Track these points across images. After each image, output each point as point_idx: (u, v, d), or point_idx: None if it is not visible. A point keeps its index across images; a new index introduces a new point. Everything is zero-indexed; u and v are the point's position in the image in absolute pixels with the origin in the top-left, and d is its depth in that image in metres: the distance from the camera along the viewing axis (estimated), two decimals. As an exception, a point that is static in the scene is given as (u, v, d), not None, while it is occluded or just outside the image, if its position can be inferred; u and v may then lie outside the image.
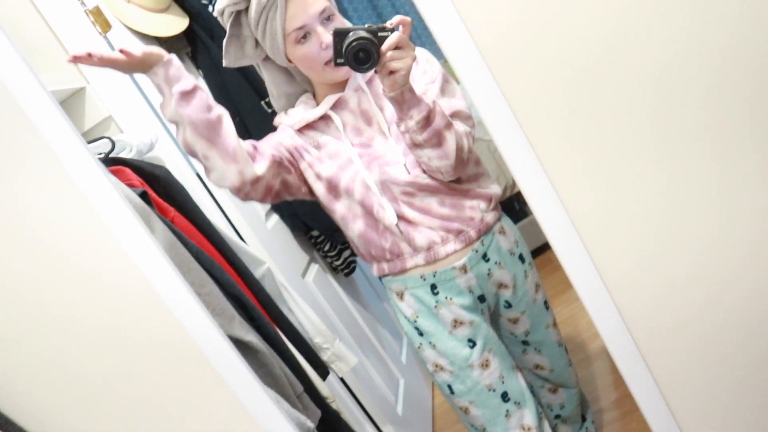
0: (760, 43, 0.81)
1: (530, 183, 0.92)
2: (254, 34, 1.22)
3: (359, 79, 1.27)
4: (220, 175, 1.17)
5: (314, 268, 2.02)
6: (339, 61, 1.10)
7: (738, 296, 0.92)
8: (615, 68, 0.85)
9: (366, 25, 1.09)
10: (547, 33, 0.85)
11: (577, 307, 2.34)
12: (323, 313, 1.90)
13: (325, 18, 1.19)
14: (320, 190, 1.28)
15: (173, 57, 1.12)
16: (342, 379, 1.81)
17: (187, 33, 1.88)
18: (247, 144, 1.22)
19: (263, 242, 1.76)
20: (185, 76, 1.12)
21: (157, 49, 1.10)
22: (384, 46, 1.07)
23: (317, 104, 1.32)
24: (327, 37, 1.17)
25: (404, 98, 1.12)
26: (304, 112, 1.30)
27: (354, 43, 1.07)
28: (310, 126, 1.30)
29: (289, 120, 1.32)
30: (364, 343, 2.11)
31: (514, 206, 2.85)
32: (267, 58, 1.29)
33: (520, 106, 0.89)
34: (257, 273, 1.47)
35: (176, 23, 1.78)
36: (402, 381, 2.27)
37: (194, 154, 1.17)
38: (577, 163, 0.90)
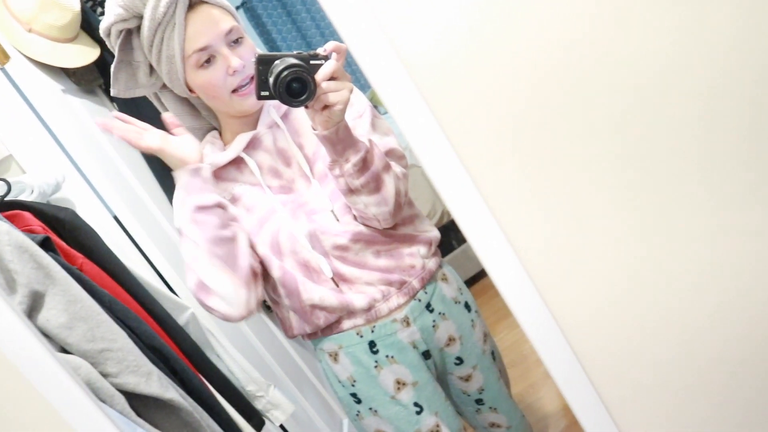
0: (721, 70, 0.78)
1: (470, 219, 0.83)
2: (148, 57, 1.06)
3: (273, 113, 1.12)
4: (229, 300, 1.03)
5: (246, 308, 1.91)
6: (264, 93, 0.94)
7: (690, 322, 0.89)
8: (564, 91, 0.78)
9: (294, 52, 0.95)
10: (486, 55, 0.77)
11: (520, 333, 2.30)
12: (258, 356, 1.79)
13: (233, 40, 1.05)
14: None
15: (203, 167, 1.02)
16: (282, 427, 1.70)
17: (99, 64, 1.76)
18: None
19: (189, 284, 1.64)
20: (208, 189, 1.02)
21: (184, 146, 1.02)
22: (318, 77, 0.92)
23: (225, 144, 1.16)
24: (235, 62, 1.03)
25: (339, 137, 0.98)
26: (212, 156, 1.13)
27: (285, 72, 0.90)
28: (219, 173, 1.13)
29: None
30: (304, 384, 2.01)
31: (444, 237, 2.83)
32: (165, 87, 1.12)
33: (458, 137, 0.79)
34: (180, 320, 1.36)
35: (85, 54, 1.66)
36: (346, 421, 2.16)
37: (200, 276, 1.02)
38: (523, 195, 0.83)
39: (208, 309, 1.04)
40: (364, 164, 1.01)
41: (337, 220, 1.10)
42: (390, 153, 1.12)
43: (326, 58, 0.95)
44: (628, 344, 0.91)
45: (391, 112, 0.78)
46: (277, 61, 0.93)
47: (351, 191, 1.04)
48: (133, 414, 1.01)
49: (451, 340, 1.21)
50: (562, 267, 0.84)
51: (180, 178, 1.02)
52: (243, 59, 1.05)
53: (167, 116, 1.03)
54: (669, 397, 0.92)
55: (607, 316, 0.87)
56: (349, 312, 1.13)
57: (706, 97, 0.78)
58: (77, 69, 1.69)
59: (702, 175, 0.81)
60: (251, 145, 1.12)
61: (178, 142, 1.02)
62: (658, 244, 0.84)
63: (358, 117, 1.13)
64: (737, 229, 0.82)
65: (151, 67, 1.09)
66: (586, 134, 0.80)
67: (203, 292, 1.03)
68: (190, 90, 1.09)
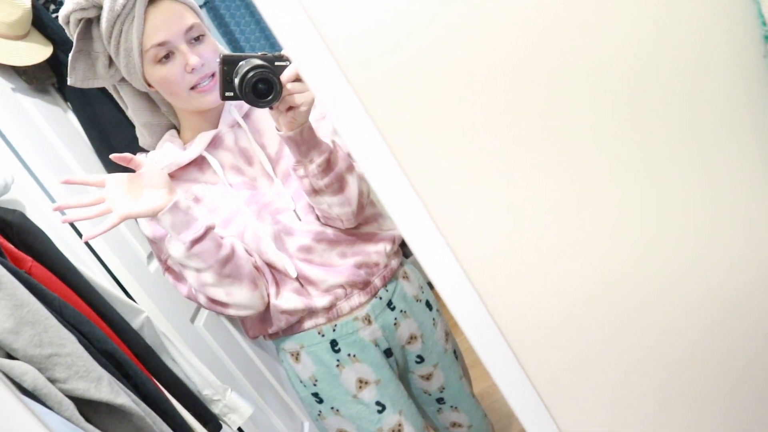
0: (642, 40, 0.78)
1: (412, 226, 0.82)
2: (107, 49, 1.04)
3: (234, 113, 1.12)
4: (245, 305, 1.07)
5: (204, 311, 1.88)
6: (228, 94, 0.94)
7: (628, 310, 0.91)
8: (489, 84, 0.76)
9: (259, 53, 0.95)
10: (419, 52, 0.76)
11: (480, 333, 2.33)
12: (217, 359, 1.76)
13: (194, 37, 1.04)
14: None
15: (178, 200, 0.99)
16: (240, 430, 1.68)
17: (52, 62, 1.71)
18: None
19: (145, 288, 1.61)
20: (193, 219, 1.00)
21: (150, 199, 0.98)
22: (283, 78, 0.92)
23: (184, 143, 1.14)
24: (194, 59, 1.02)
25: (303, 138, 0.98)
26: (171, 154, 1.11)
27: (251, 73, 0.91)
28: (179, 173, 1.11)
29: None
30: (264, 387, 1.99)
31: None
32: (124, 81, 1.11)
33: (390, 133, 0.79)
34: (135, 323, 1.34)
35: (37, 51, 1.62)
36: (307, 424, 2.15)
37: (212, 296, 1.05)
38: (462, 196, 0.84)
39: (227, 315, 1.08)
40: (328, 165, 1.02)
41: (299, 219, 1.10)
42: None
43: (291, 59, 0.94)
44: (569, 341, 0.92)
45: (320, 99, 0.75)
46: (242, 62, 0.93)
47: (315, 192, 1.04)
48: (82, 420, 0.99)
49: (412, 338, 1.22)
50: (505, 273, 0.84)
51: (162, 221, 0.99)
52: (203, 57, 1.04)
53: (114, 157, 0.99)
54: (606, 391, 0.93)
55: (553, 327, 0.89)
56: (311, 312, 1.13)
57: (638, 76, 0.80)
58: (28, 67, 1.65)
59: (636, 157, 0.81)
60: (213, 144, 1.11)
61: (142, 201, 0.98)
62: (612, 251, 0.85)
63: (321, 118, 1.13)
64: (677, 207, 0.82)
65: (110, 59, 1.07)
66: (520, 127, 0.78)
67: (219, 306, 1.07)
68: (149, 84, 1.08)
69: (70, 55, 1.04)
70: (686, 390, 0.90)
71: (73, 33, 1.04)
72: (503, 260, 0.82)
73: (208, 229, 1.02)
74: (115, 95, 1.16)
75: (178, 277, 1.12)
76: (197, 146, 1.10)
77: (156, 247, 1.13)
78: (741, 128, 0.80)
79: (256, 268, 1.11)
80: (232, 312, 1.08)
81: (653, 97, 0.78)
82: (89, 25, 1.03)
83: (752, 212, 0.83)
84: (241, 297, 1.06)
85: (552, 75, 0.76)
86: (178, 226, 0.99)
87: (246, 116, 1.14)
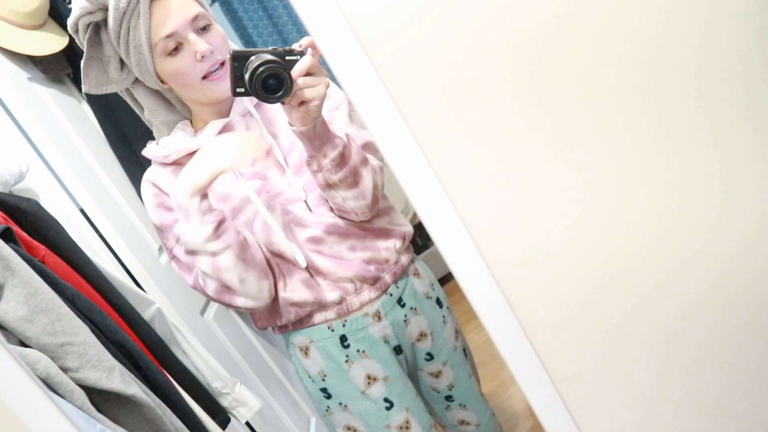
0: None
1: (431, 210, 0.83)
2: (117, 51, 1.05)
3: (246, 102, 1.12)
4: (255, 295, 1.07)
5: (214, 304, 1.88)
6: (239, 90, 0.93)
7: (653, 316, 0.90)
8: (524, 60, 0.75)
9: (270, 48, 0.94)
10: (449, 43, 0.76)
11: (489, 332, 2.33)
12: (226, 352, 1.76)
13: (200, 27, 1.04)
14: None
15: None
16: (248, 424, 1.68)
17: (67, 52, 1.72)
18: None
19: (156, 280, 1.61)
20: (212, 207, 1.02)
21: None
22: (294, 73, 0.92)
23: (196, 132, 1.14)
24: (202, 46, 1.01)
25: (316, 133, 0.98)
26: (181, 140, 1.12)
27: (261, 68, 0.90)
28: (188, 161, 1.08)
29: (161, 150, 1.12)
30: (271, 382, 1.99)
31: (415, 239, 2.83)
32: (137, 82, 1.11)
33: (420, 130, 0.79)
34: (146, 315, 1.34)
35: (53, 42, 1.62)
36: (313, 419, 2.15)
37: (226, 283, 1.04)
38: (485, 186, 0.83)
39: (233, 307, 1.09)
40: (342, 159, 1.01)
41: (311, 211, 1.09)
42: (366, 146, 1.11)
43: (302, 53, 0.95)
44: (584, 333, 0.91)
45: (342, 83, 0.75)
46: (252, 57, 0.92)
47: (329, 186, 1.04)
48: (93, 410, 0.99)
49: (422, 335, 1.22)
50: (522, 258, 0.84)
51: (195, 200, 1.00)
52: (211, 44, 1.04)
53: None
54: (633, 396, 0.92)
55: (570, 312, 0.88)
56: (321, 305, 1.13)
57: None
58: (44, 57, 1.65)
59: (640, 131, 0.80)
60: (224, 132, 1.11)
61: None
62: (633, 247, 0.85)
63: (334, 109, 1.12)
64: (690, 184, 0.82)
65: (122, 62, 1.07)
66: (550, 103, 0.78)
67: (227, 294, 1.06)
68: (161, 81, 1.08)
69: (82, 62, 1.05)
70: (709, 373, 0.88)
71: (83, 40, 1.04)
72: (519, 244, 0.81)
73: (223, 217, 1.03)
74: (129, 99, 1.17)
75: (184, 267, 1.12)
76: (207, 133, 1.10)
77: (163, 234, 1.13)
78: (756, 111, 0.79)
79: (268, 261, 1.11)
80: (239, 302, 1.07)
81: (669, 79, 0.77)
82: (98, 30, 1.04)
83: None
84: (252, 285, 1.05)
85: (568, 56, 0.75)
86: (204, 209, 1.00)
87: (258, 106, 1.14)
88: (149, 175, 1.14)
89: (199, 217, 0.99)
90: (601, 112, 0.78)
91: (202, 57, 1.02)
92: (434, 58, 0.74)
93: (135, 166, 1.73)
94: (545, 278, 0.83)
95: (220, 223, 1.01)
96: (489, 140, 0.77)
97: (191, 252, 1.03)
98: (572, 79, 0.76)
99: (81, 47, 1.05)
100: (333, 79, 1.06)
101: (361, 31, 0.72)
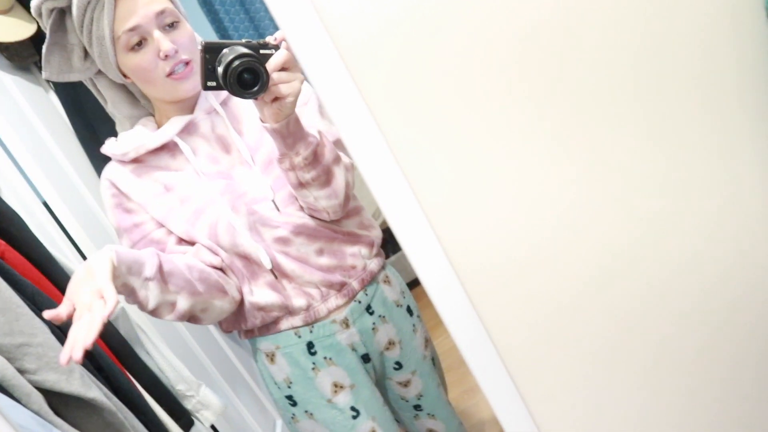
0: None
1: (398, 213, 0.80)
2: (80, 39, 1.01)
3: (212, 99, 1.08)
4: (218, 314, 1.06)
5: (181, 303, 1.85)
6: (210, 84, 0.88)
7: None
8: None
9: (243, 40, 0.89)
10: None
11: (457, 337, 2.33)
12: (191, 352, 1.73)
13: (167, 24, 0.99)
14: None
15: (114, 248, 0.89)
16: (213, 426, 1.65)
17: (35, 40, 1.66)
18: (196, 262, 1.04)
19: (121, 276, 1.57)
20: (138, 255, 0.93)
21: (102, 266, 0.85)
22: (269, 67, 0.88)
23: (158, 128, 1.10)
24: (166, 45, 0.97)
25: (289, 130, 0.94)
26: (140, 137, 1.07)
27: (237, 62, 0.85)
28: (149, 158, 1.07)
29: (119, 148, 1.07)
30: (237, 383, 1.96)
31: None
32: (101, 74, 1.07)
33: (387, 126, 0.74)
34: (109, 314, 1.30)
35: (20, 28, 1.57)
36: (279, 421, 2.13)
37: (192, 317, 1.04)
38: (454, 186, 0.81)
39: (212, 323, 1.09)
40: (314, 157, 0.98)
41: (278, 210, 1.07)
42: (338, 143, 1.09)
43: (276, 47, 0.91)
44: (550, 337, 0.91)
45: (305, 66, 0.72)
46: (225, 50, 0.88)
47: (301, 185, 1.01)
48: (51, 413, 0.95)
49: (390, 343, 1.20)
50: (495, 267, 0.82)
51: (120, 276, 0.90)
52: (176, 43, 1.00)
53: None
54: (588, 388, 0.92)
55: (548, 329, 0.87)
56: (287, 311, 1.11)
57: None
58: (10, 44, 1.60)
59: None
60: (186, 131, 1.07)
61: (101, 279, 0.85)
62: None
63: (303, 104, 1.09)
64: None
65: (85, 51, 1.03)
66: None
67: (193, 321, 1.06)
68: (124, 75, 1.04)
69: (44, 47, 1.01)
70: (707, 381, 0.88)
71: (46, 25, 1.00)
72: (494, 251, 0.80)
73: (156, 254, 0.98)
74: (92, 89, 1.12)
75: None
76: (168, 130, 1.06)
77: (120, 238, 1.11)
78: (758, 94, 0.78)
79: (221, 269, 1.08)
80: (206, 323, 1.08)
81: (666, 68, 0.76)
82: (62, 16, 1.00)
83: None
84: (214, 309, 1.05)
85: (557, 56, 0.74)
86: (132, 269, 0.92)
87: (224, 103, 1.10)
88: (108, 173, 1.09)
89: (139, 287, 0.94)
90: (586, 122, 0.77)
91: (166, 56, 0.98)
92: (405, 52, 0.71)
93: (103, 159, 1.68)
94: (526, 287, 0.81)
95: (160, 271, 0.96)
96: (462, 138, 0.75)
97: (152, 313, 1.00)
98: (553, 80, 0.75)
99: (44, 31, 1.01)
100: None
101: (327, 18, 0.69)
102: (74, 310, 0.82)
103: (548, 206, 0.79)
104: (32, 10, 1.00)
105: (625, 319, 0.85)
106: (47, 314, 0.80)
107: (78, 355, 0.75)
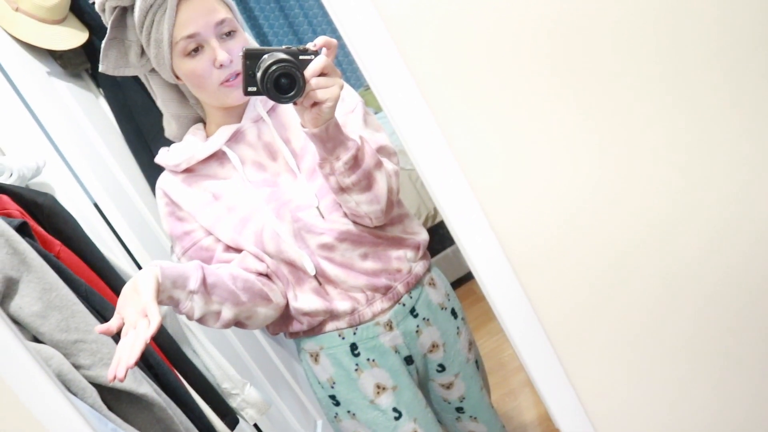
0: None
1: (453, 204, 0.82)
2: (139, 38, 1.03)
3: (259, 107, 1.10)
4: (263, 320, 1.09)
5: (225, 303, 1.88)
6: (251, 89, 0.90)
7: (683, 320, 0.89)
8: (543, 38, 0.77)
9: (283, 47, 0.91)
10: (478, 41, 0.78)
11: (501, 339, 2.31)
12: (235, 353, 1.76)
13: (225, 33, 1.02)
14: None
15: (159, 264, 0.93)
16: (255, 425, 1.67)
17: (87, 48, 1.72)
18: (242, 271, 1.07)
19: (168, 277, 1.60)
20: (183, 268, 0.96)
21: (146, 283, 0.89)
22: (307, 72, 0.89)
23: (207, 137, 1.13)
24: (222, 55, 1.00)
25: (329, 135, 0.95)
26: (191, 148, 1.10)
27: (274, 67, 0.87)
28: (199, 167, 1.10)
29: (171, 159, 1.10)
30: (279, 383, 1.98)
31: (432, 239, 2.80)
32: (154, 71, 1.10)
33: (440, 112, 0.79)
34: (158, 313, 1.33)
35: (73, 37, 1.63)
36: (320, 422, 2.14)
37: (237, 323, 1.07)
38: (506, 179, 0.83)
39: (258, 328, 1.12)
40: (355, 162, 0.99)
41: (323, 217, 1.08)
42: (381, 150, 1.10)
43: (316, 53, 0.92)
44: (609, 347, 0.90)
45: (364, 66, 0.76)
46: (265, 56, 0.90)
47: (342, 189, 1.01)
48: (104, 408, 0.98)
49: (434, 346, 1.20)
50: (543, 246, 0.85)
51: (165, 290, 0.93)
52: (232, 53, 1.02)
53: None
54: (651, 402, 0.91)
55: (587, 309, 0.89)
56: (332, 315, 1.12)
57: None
58: (64, 52, 1.65)
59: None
60: (234, 139, 1.10)
61: (147, 298, 0.88)
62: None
63: (350, 112, 1.10)
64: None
65: (142, 48, 1.06)
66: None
67: (239, 326, 1.09)
68: (177, 77, 1.07)
69: (104, 41, 1.04)
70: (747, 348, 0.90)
71: (108, 20, 1.03)
72: (541, 231, 0.85)
73: (201, 267, 1.00)
74: (146, 84, 1.16)
75: None
76: (216, 140, 1.09)
77: (173, 243, 1.15)
78: None
79: (267, 275, 1.10)
80: (251, 329, 1.12)
81: (690, 44, 0.79)
82: (124, 13, 1.03)
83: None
84: (259, 316, 1.07)
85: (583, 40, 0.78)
86: (178, 282, 0.95)
87: (271, 110, 1.12)
88: (161, 183, 1.13)
89: (183, 299, 0.97)
90: (627, 100, 0.80)
91: (221, 65, 1.01)
92: (449, 31, 0.77)
93: (150, 162, 1.72)
94: (568, 265, 0.85)
95: (204, 281, 0.98)
96: (509, 122, 0.79)
97: (198, 322, 1.03)
98: (593, 62, 0.79)
99: (106, 25, 1.04)
100: (348, 80, 1.06)
101: (381, 4, 0.73)
102: (123, 324, 0.86)
103: (588, 180, 0.83)
104: (96, 6, 1.03)
105: (667, 285, 0.87)
106: (99, 329, 0.85)
107: (122, 374, 0.79)
